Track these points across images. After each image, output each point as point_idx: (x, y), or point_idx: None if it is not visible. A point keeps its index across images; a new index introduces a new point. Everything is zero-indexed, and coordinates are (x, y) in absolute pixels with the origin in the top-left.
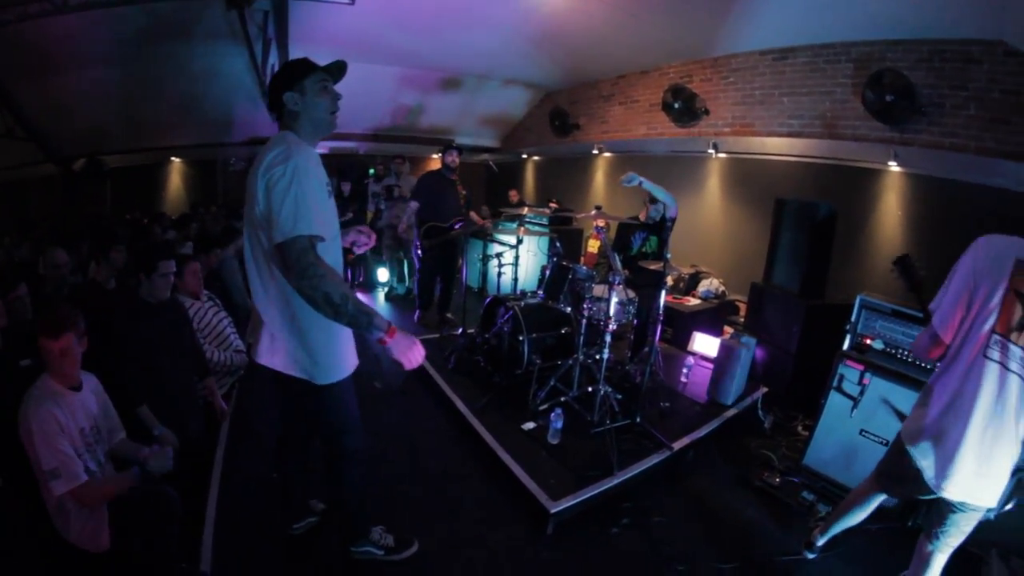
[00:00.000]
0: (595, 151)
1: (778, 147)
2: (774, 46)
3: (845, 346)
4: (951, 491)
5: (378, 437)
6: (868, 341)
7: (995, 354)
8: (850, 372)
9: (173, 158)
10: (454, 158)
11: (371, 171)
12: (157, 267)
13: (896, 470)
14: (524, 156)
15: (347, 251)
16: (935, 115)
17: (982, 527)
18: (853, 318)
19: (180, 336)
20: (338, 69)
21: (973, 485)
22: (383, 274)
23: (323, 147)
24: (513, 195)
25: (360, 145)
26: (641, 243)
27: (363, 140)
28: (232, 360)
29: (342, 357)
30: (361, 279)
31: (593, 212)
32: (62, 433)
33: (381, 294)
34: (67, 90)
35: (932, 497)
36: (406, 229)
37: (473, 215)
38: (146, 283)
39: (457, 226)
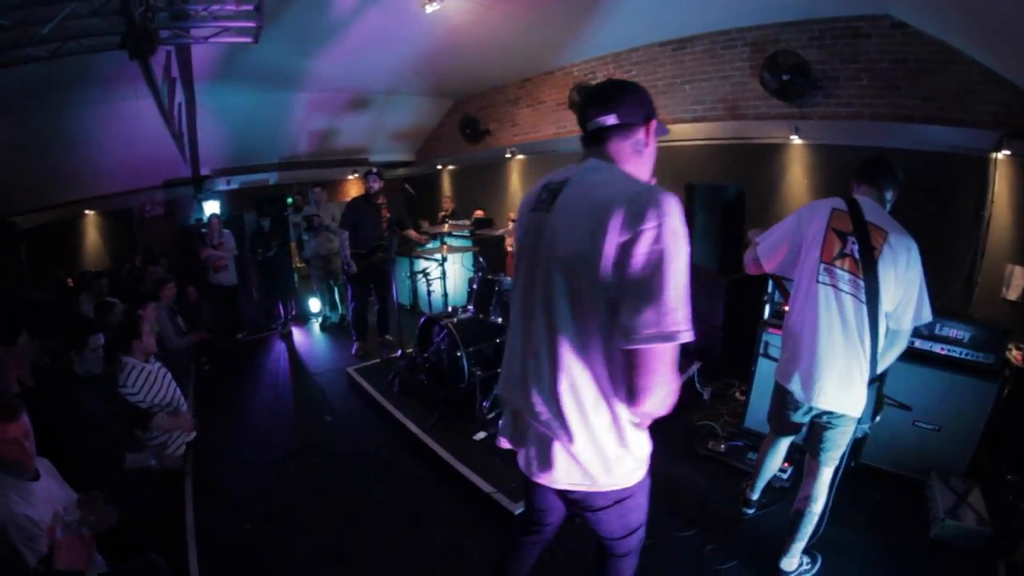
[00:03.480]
0: (508, 155)
1: (685, 133)
2: (673, 37)
3: (766, 315)
4: (822, 401)
5: (338, 468)
6: (786, 308)
7: (825, 278)
8: (774, 339)
9: (87, 211)
10: (373, 184)
11: (289, 200)
12: (88, 342)
13: (779, 408)
14: (439, 167)
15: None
16: (831, 88)
17: (918, 452)
18: (770, 289)
19: (111, 407)
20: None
21: (830, 391)
22: (315, 304)
23: (237, 182)
24: (447, 204)
25: (271, 175)
26: None
27: (276, 170)
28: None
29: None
30: (294, 312)
31: (510, 226)
32: (40, 532)
33: (316, 325)
34: None
35: (808, 419)
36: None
37: (410, 233)
38: (78, 359)
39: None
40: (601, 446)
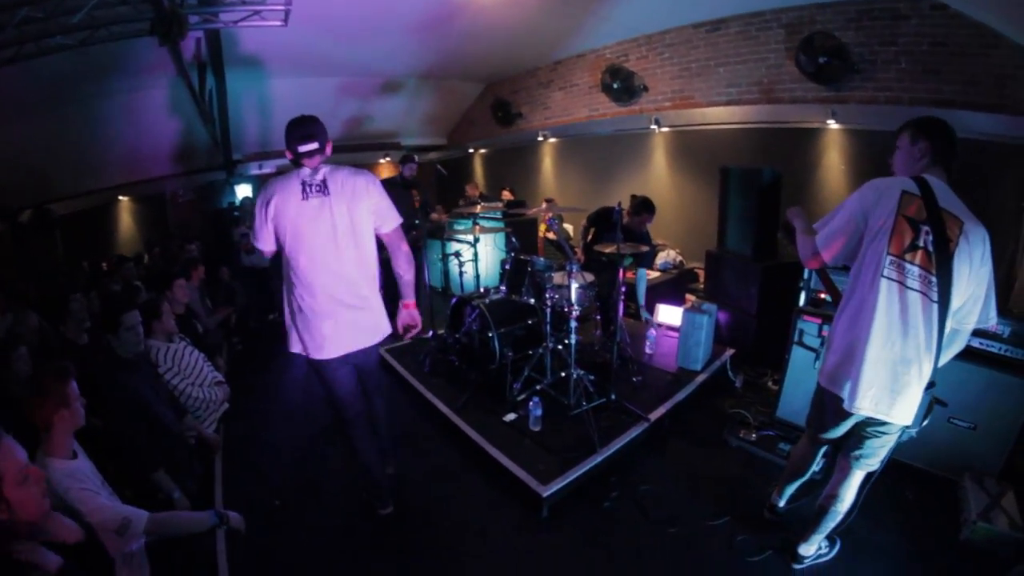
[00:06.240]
0: (540, 138)
1: (719, 116)
2: (706, 18)
3: (801, 303)
4: (863, 406)
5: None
6: (822, 295)
7: (892, 273)
8: (808, 326)
9: (120, 197)
10: (414, 171)
11: None
12: (121, 321)
13: (821, 412)
14: (471, 150)
15: None
16: (868, 72)
17: (953, 451)
18: (805, 276)
19: (159, 384)
20: None
21: (884, 400)
22: None
23: (270, 166)
24: (471, 191)
25: None
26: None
27: None
28: (215, 395)
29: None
30: None
31: (544, 206)
32: (104, 500)
33: None
34: (0, 141)
35: (854, 423)
36: None
37: (433, 216)
38: (115, 340)
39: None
40: (380, 308)
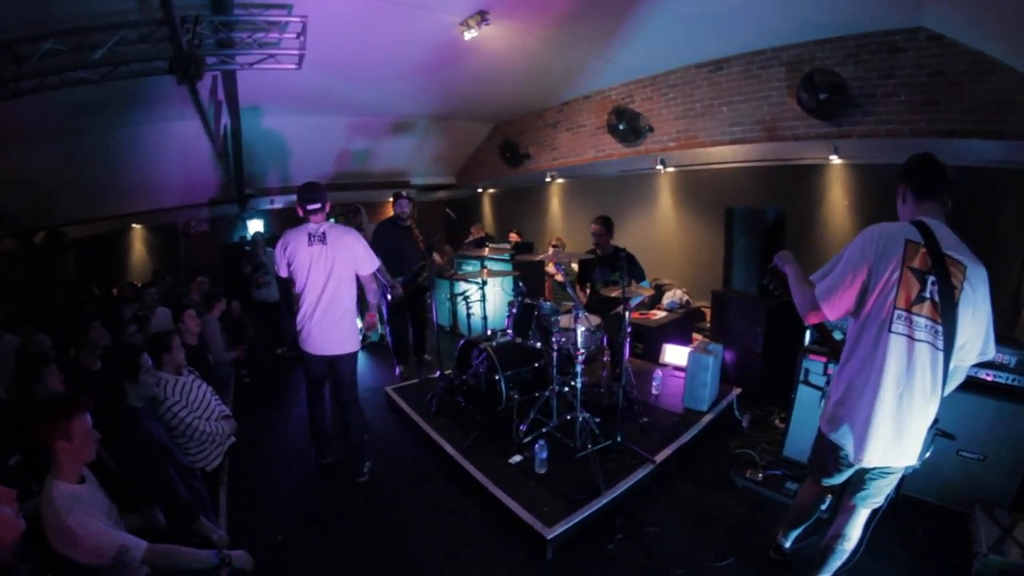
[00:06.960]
0: (548, 179)
1: (723, 155)
2: (709, 58)
3: (806, 342)
4: (870, 459)
5: (373, 486)
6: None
7: (901, 327)
8: (814, 365)
9: (134, 224)
10: (404, 208)
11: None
12: (140, 365)
13: (823, 460)
14: (480, 190)
15: None
16: (868, 106)
17: (962, 483)
18: None
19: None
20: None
21: (892, 450)
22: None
23: (281, 201)
24: (475, 232)
25: None
26: (602, 277)
27: None
28: (222, 429)
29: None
30: None
31: (550, 251)
32: (104, 526)
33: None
34: (19, 164)
35: (857, 469)
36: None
37: (436, 257)
38: (134, 388)
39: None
40: (351, 327)
